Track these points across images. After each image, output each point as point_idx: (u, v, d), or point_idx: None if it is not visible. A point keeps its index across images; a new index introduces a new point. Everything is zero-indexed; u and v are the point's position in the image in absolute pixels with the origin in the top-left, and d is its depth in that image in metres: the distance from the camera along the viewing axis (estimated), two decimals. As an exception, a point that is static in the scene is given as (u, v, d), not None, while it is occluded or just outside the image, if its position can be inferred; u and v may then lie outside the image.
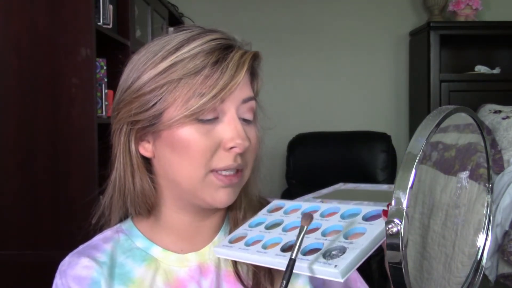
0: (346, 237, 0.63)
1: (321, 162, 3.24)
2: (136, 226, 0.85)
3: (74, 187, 1.95)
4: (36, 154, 1.95)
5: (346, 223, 0.65)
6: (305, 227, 0.62)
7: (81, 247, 0.84)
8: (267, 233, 0.72)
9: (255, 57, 0.81)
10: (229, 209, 0.86)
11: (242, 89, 0.77)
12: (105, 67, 2.14)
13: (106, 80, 2.13)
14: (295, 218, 0.72)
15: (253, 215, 0.84)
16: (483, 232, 0.67)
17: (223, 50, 0.76)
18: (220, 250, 0.74)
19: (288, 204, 0.79)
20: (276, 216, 0.76)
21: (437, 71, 3.32)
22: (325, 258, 0.59)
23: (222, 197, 0.76)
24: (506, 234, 2.57)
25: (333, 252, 0.60)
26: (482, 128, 0.64)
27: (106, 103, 2.11)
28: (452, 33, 3.40)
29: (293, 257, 0.60)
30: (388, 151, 3.19)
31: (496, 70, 3.44)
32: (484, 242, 0.67)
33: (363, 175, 3.18)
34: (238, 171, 0.77)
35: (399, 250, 0.50)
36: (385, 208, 0.60)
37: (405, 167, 0.51)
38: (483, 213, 0.67)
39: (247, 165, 0.79)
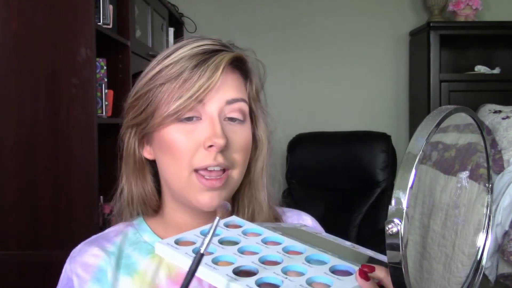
0: (309, 283, 0.59)
1: (321, 162, 3.24)
2: (146, 222, 0.88)
3: (74, 187, 1.95)
4: (36, 154, 1.95)
5: (311, 269, 0.62)
6: (218, 219, 0.59)
7: (93, 237, 0.88)
8: (220, 248, 0.66)
9: (240, 59, 0.84)
10: (236, 212, 0.87)
11: (226, 90, 0.80)
12: (105, 67, 2.13)
13: (106, 80, 2.13)
14: (254, 243, 0.68)
15: (265, 222, 0.83)
16: (483, 232, 0.67)
17: (206, 54, 0.79)
18: (163, 247, 0.67)
19: (248, 225, 0.74)
20: (233, 233, 0.71)
21: (437, 71, 3.31)
22: None
23: (206, 200, 0.79)
24: (506, 234, 2.57)
25: None
26: (482, 128, 0.64)
27: (106, 103, 2.11)
28: (452, 33, 3.40)
29: (201, 251, 0.57)
30: (388, 151, 3.19)
31: (496, 70, 3.44)
32: (484, 242, 0.67)
33: (363, 175, 3.18)
34: (225, 171, 0.79)
35: (399, 250, 0.50)
36: (360, 268, 0.59)
37: (405, 167, 0.51)
38: (483, 213, 0.67)
39: (235, 166, 0.80)
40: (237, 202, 0.87)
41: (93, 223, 1.97)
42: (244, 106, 0.82)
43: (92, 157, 1.95)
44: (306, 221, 0.93)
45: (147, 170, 0.86)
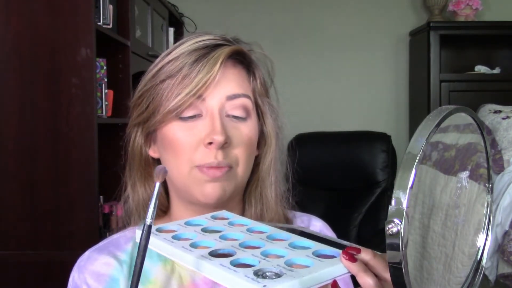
0: (288, 264, 0.57)
1: (321, 162, 3.24)
2: (155, 226, 0.86)
3: (74, 187, 1.95)
4: (36, 154, 1.95)
5: (293, 252, 0.60)
6: (158, 184, 0.58)
7: (101, 243, 0.84)
8: (202, 234, 0.65)
9: (241, 53, 0.81)
10: (244, 211, 0.86)
11: (226, 85, 0.78)
12: (105, 67, 2.13)
13: (106, 80, 2.13)
14: (238, 231, 0.66)
15: (274, 220, 0.82)
16: (483, 232, 0.67)
17: (206, 49, 0.78)
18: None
19: (235, 217, 0.73)
20: (219, 223, 0.70)
21: (437, 71, 3.31)
22: (255, 276, 0.54)
23: (209, 191, 0.77)
24: (506, 234, 2.57)
25: (267, 273, 0.55)
26: (482, 128, 0.64)
27: (106, 103, 2.11)
28: (452, 33, 3.40)
29: (147, 223, 0.56)
30: (388, 151, 3.19)
31: (496, 70, 3.44)
32: (484, 242, 0.67)
33: (363, 175, 3.18)
34: (224, 166, 0.77)
35: (399, 250, 0.50)
36: (345, 250, 0.58)
37: (405, 167, 0.51)
38: (483, 213, 0.67)
39: (238, 163, 0.79)
40: (245, 200, 0.86)
41: (93, 223, 1.96)
42: (247, 102, 0.80)
43: (92, 157, 1.95)
44: (315, 226, 0.90)
45: (154, 170, 0.84)
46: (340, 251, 0.59)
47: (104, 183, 2.01)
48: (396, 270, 0.52)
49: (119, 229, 0.90)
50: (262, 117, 0.85)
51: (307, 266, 0.57)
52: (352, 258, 0.57)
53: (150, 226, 0.57)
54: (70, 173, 1.95)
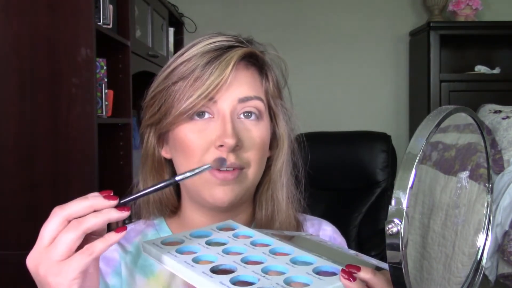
0: (287, 282, 0.57)
1: (321, 162, 3.24)
2: (166, 223, 0.87)
3: (74, 187, 1.95)
4: (36, 154, 1.95)
5: (293, 269, 0.60)
6: (208, 165, 0.68)
7: None
8: (205, 248, 0.66)
9: (253, 55, 0.82)
10: (255, 212, 0.86)
11: (238, 87, 0.78)
12: (105, 67, 2.13)
13: (106, 80, 2.13)
14: (242, 245, 0.67)
15: (285, 223, 0.82)
16: (483, 232, 0.67)
17: (219, 51, 0.78)
18: (148, 247, 0.67)
19: (241, 228, 0.73)
20: (224, 235, 0.70)
21: (437, 71, 3.31)
22: None
23: (220, 194, 0.77)
24: (506, 234, 2.57)
25: None
26: (482, 128, 0.64)
27: (106, 103, 2.11)
28: (452, 33, 3.40)
29: (176, 178, 0.65)
30: (388, 151, 3.19)
31: (496, 70, 3.44)
32: (484, 242, 0.67)
33: (363, 175, 3.18)
34: (235, 169, 0.77)
35: (399, 250, 0.50)
36: (344, 268, 0.58)
37: (405, 167, 0.51)
38: (483, 213, 0.67)
39: (250, 164, 0.79)
40: (256, 202, 0.86)
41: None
42: (259, 104, 0.80)
43: (92, 157, 1.95)
44: (326, 230, 0.91)
45: (165, 170, 0.85)
46: (339, 267, 0.59)
47: (104, 183, 2.01)
48: (396, 270, 0.52)
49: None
50: (274, 119, 0.85)
51: (306, 284, 0.57)
52: (351, 277, 0.57)
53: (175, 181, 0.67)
54: (70, 173, 1.95)
